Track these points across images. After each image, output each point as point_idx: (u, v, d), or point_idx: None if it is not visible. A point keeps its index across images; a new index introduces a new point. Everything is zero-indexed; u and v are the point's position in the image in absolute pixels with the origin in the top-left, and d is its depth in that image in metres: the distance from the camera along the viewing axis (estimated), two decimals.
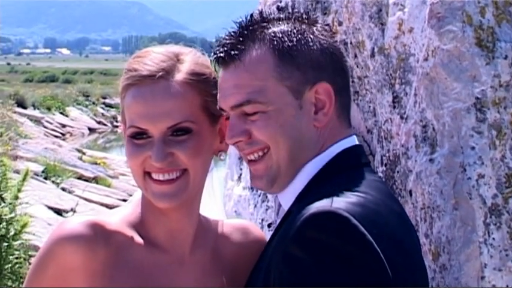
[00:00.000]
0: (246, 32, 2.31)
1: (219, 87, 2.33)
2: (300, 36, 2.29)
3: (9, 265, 7.81)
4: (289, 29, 2.29)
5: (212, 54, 2.36)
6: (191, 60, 2.35)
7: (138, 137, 2.29)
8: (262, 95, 2.24)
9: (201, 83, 2.33)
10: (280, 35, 2.28)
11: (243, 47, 2.28)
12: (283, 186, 2.32)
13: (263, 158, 2.29)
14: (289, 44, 2.27)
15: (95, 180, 18.79)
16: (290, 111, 2.26)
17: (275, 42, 2.28)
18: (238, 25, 2.34)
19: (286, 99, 2.26)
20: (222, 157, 2.47)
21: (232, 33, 2.33)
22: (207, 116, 2.34)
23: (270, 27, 2.30)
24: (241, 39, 2.30)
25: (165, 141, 2.26)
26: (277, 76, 2.26)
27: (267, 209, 3.78)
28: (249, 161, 2.33)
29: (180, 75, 2.29)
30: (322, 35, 2.33)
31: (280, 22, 2.32)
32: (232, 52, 2.28)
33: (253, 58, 2.27)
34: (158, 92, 2.26)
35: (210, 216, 2.56)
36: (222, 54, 2.30)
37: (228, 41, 2.31)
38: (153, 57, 2.31)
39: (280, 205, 2.45)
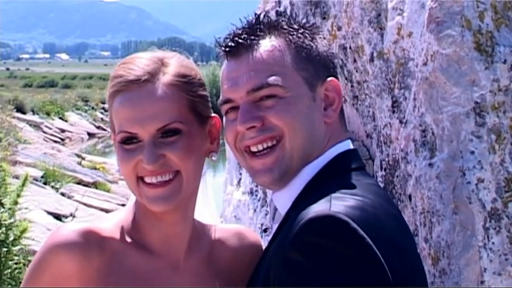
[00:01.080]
0: (261, 25, 2.33)
1: (227, 78, 2.33)
2: (312, 36, 2.33)
3: (9, 270, 7.80)
4: (302, 30, 2.33)
5: (221, 46, 2.36)
6: (175, 63, 2.36)
7: (128, 142, 2.29)
8: (282, 79, 2.26)
9: (187, 84, 2.33)
10: (296, 32, 2.31)
11: (259, 36, 2.30)
12: (286, 183, 2.32)
13: (274, 149, 2.28)
14: (304, 41, 2.31)
15: (94, 185, 18.77)
16: (306, 101, 2.28)
17: (291, 37, 2.31)
18: (250, 21, 2.35)
19: (303, 89, 2.28)
20: (213, 158, 2.47)
21: (246, 26, 2.34)
22: (195, 116, 2.34)
23: (285, 25, 2.33)
24: (257, 30, 2.31)
25: (155, 144, 2.26)
26: (295, 65, 2.28)
27: (266, 214, 3.78)
28: (254, 155, 2.31)
29: (165, 77, 2.30)
30: (325, 43, 2.38)
31: (293, 23, 2.35)
32: (249, 41, 2.29)
33: (271, 46, 2.29)
34: (145, 95, 2.26)
35: (204, 221, 2.55)
36: (235, 44, 2.31)
37: (242, 32, 2.32)
38: (137, 62, 2.32)
39: (275, 209, 2.43)
